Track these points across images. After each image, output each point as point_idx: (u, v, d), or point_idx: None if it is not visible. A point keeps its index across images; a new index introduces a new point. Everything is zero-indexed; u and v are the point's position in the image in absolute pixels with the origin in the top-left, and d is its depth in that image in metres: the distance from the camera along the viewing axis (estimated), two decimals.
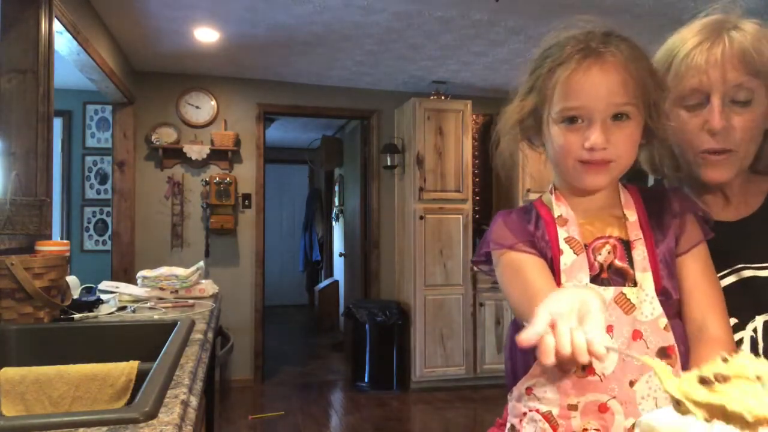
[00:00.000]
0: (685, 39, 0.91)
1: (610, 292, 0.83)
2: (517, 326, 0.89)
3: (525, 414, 0.85)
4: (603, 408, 0.80)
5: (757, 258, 0.93)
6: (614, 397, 0.80)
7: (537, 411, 0.83)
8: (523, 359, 0.87)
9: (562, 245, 0.86)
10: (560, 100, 0.82)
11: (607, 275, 0.85)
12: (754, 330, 0.91)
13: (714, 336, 0.82)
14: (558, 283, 0.84)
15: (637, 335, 0.81)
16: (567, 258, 0.85)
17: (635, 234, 0.87)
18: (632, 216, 0.89)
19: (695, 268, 0.87)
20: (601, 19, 0.85)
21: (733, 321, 0.91)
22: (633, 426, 0.78)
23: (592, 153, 0.82)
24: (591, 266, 0.85)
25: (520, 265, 0.86)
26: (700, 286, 0.86)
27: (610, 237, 0.88)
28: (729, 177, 0.93)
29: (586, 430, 0.79)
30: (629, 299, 0.82)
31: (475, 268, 0.96)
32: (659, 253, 0.86)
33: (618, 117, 0.81)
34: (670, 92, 0.91)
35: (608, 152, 0.82)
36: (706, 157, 0.92)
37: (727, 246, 0.92)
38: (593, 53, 0.81)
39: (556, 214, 0.90)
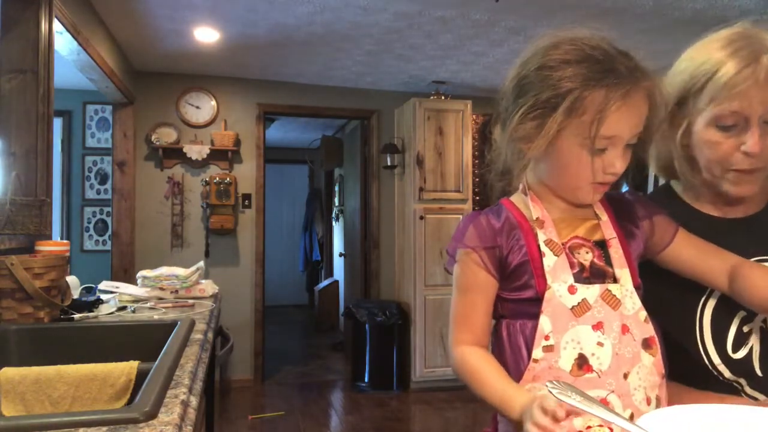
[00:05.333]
0: (721, 61, 0.89)
1: (596, 289, 0.85)
2: (495, 327, 0.92)
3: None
4: (603, 403, 0.80)
5: (766, 251, 0.95)
6: (612, 391, 0.81)
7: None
8: (513, 365, 0.86)
9: (543, 248, 0.87)
10: (603, 128, 0.81)
11: (589, 274, 0.87)
12: (764, 321, 0.93)
13: (748, 263, 0.90)
14: (542, 285, 0.85)
15: (625, 329, 0.84)
16: (549, 260, 0.86)
17: (609, 233, 0.90)
18: (604, 215, 0.92)
19: (687, 244, 0.94)
20: (598, 26, 0.86)
21: (741, 314, 0.93)
22: (632, 416, 0.80)
23: (610, 177, 0.86)
24: (572, 265, 0.86)
25: (474, 281, 0.90)
26: (703, 249, 0.93)
27: (585, 238, 0.90)
28: (753, 192, 0.95)
29: (590, 427, 0.79)
30: (614, 295, 0.85)
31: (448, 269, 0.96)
32: (632, 251, 0.91)
33: (630, 145, 0.86)
34: (702, 109, 0.91)
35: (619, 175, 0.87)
36: (737, 175, 0.93)
37: (741, 241, 0.95)
38: (635, 85, 0.81)
39: (533, 215, 0.90)
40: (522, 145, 0.87)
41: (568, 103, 0.80)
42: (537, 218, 0.89)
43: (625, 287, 0.86)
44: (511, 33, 3.46)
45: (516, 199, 0.94)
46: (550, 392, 0.69)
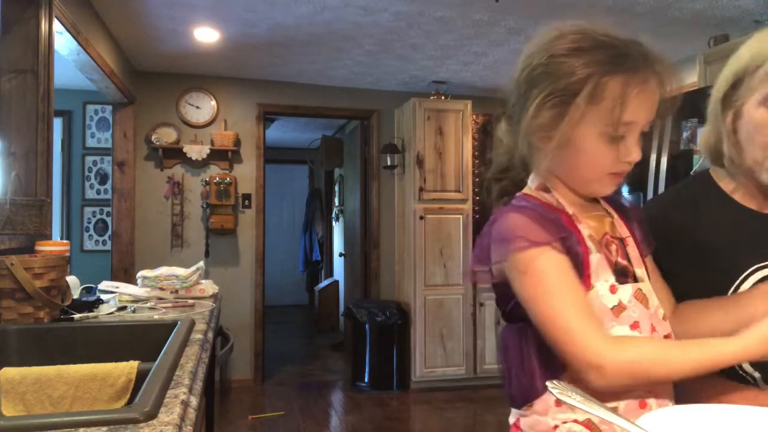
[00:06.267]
0: None
1: (629, 288, 0.83)
2: (518, 333, 0.85)
3: (557, 427, 0.80)
4: (642, 405, 0.80)
5: None
6: (650, 392, 0.81)
7: (575, 421, 0.80)
8: (545, 371, 0.81)
9: (588, 243, 0.83)
10: (623, 115, 0.79)
11: (621, 272, 0.85)
12: None
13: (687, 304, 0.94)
14: (587, 283, 0.81)
15: (653, 328, 0.83)
16: (594, 256, 0.82)
17: (624, 231, 0.89)
18: (613, 213, 0.91)
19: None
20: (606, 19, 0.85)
21: None
22: None
23: (626, 166, 0.84)
24: (610, 264, 0.84)
25: (561, 269, 0.79)
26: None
27: (612, 235, 0.88)
28: None
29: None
30: (645, 294, 0.84)
31: (477, 278, 0.86)
32: (640, 246, 0.90)
33: (643, 133, 0.85)
34: (753, 90, 0.92)
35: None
36: None
37: (766, 236, 0.95)
38: (651, 70, 0.81)
39: (569, 211, 0.85)
40: (541, 135, 0.83)
41: (590, 88, 0.78)
42: (573, 213, 0.85)
43: (647, 286, 0.86)
44: (511, 33, 3.46)
45: (538, 195, 0.89)
46: (551, 392, 0.69)
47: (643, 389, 0.80)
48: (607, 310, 0.80)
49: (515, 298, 0.83)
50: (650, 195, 2.58)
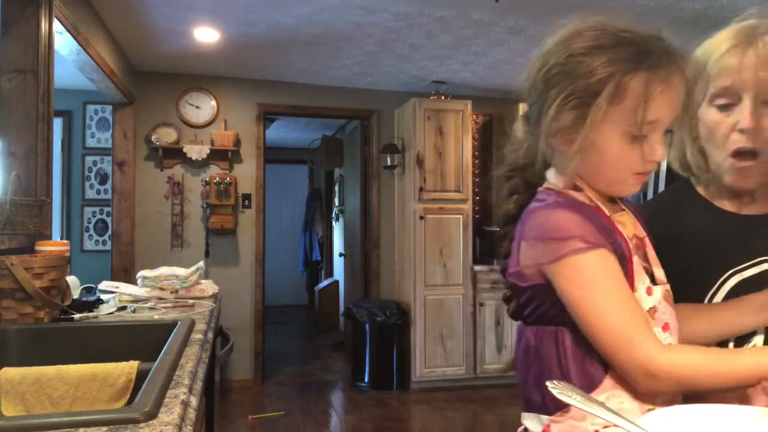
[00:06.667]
0: (720, 42, 0.92)
1: (659, 289, 0.82)
2: (553, 334, 0.81)
3: None
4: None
5: None
6: (681, 392, 0.80)
7: (616, 426, 0.75)
8: (582, 375, 0.79)
9: (630, 245, 0.81)
10: (647, 114, 0.77)
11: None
12: None
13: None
14: (632, 287, 0.79)
15: (676, 328, 0.83)
16: (635, 258, 0.81)
17: (641, 231, 0.88)
18: (630, 213, 0.90)
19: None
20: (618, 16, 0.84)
21: None
22: None
23: (651, 165, 0.82)
24: (645, 266, 0.83)
25: (616, 274, 0.77)
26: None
27: (639, 236, 0.87)
28: (754, 184, 0.94)
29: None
30: (671, 295, 0.84)
31: (515, 278, 0.83)
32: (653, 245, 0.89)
33: (667, 131, 0.82)
34: (703, 93, 0.92)
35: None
36: (734, 163, 0.92)
37: (750, 239, 0.95)
38: (675, 66, 0.79)
39: (606, 212, 0.82)
40: (562, 138, 0.81)
41: (611, 88, 0.76)
42: (610, 215, 0.83)
43: (668, 286, 0.85)
44: (511, 33, 3.45)
45: (565, 192, 0.86)
46: (551, 392, 0.68)
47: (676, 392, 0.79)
48: (646, 313, 0.80)
49: (549, 299, 0.80)
50: (650, 195, 2.58)
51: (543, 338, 0.83)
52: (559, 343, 0.81)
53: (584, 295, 0.76)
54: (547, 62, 0.82)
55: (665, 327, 0.81)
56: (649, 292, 0.81)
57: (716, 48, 0.92)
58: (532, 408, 0.84)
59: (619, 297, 0.76)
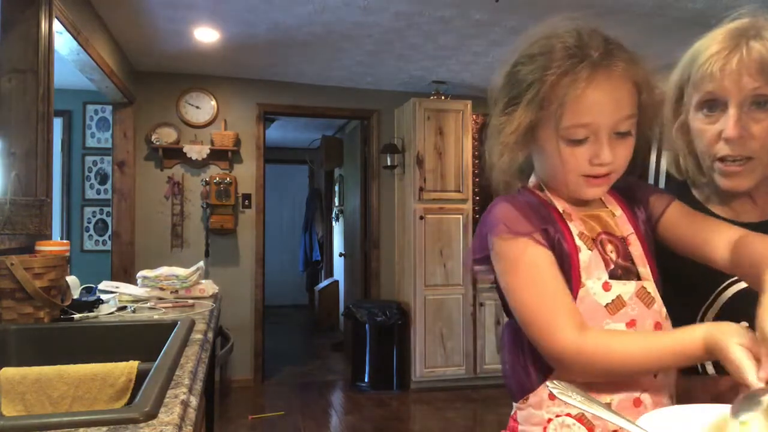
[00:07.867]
0: (708, 46, 0.91)
1: (632, 286, 0.83)
2: (514, 328, 0.86)
3: (550, 420, 0.82)
4: (637, 402, 0.80)
5: None
6: (645, 390, 0.80)
7: (569, 415, 0.80)
8: (537, 364, 0.83)
9: (578, 241, 0.83)
10: (570, 117, 0.78)
11: (621, 271, 0.84)
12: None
13: (750, 233, 0.83)
14: (577, 281, 0.81)
15: (657, 326, 0.83)
16: (584, 254, 0.82)
17: (626, 229, 0.88)
18: (617, 210, 0.90)
19: (682, 214, 0.90)
20: (580, 16, 0.84)
21: (743, 324, 0.91)
22: None
23: (599, 168, 0.81)
24: (606, 262, 0.84)
25: (536, 261, 0.80)
26: (701, 219, 0.89)
27: (610, 233, 0.87)
28: (748, 186, 0.93)
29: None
30: (649, 292, 0.83)
31: (476, 268, 0.88)
32: (648, 244, 0.89)
33: (621, 133, 0.81)
34: (691, 98, 0.92)
35: (612, 165, 0.82)
36: (722, 167, 0.92)
37: None
38: (601, 66, 0.78)
39: (559, 208, 0.86)
40: (502, 142, 0.85)
41: (530, 95, 0.80)
42: (564, 210, 0.86)
43: (652, 285, 0.85)
44: (511, 33, 3.45)
45: (532, 190, 0.91)
46: (551, 392, 0.69)
47: (635, 385, 0.80)
48: (600, 307, 0.80)
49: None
50: None
51: (508, 329, 0.89)
52: (516, 334, 0.85)
53: (509, 281, 0.82)
54: (501, 72, 0.88)
55: (630, 323, 0.81)
56: (606, 287, 0.81)
57: (702, 52, 0.91)
58: (511, 397, 0.89)
59: (536, 282, 0.80)
